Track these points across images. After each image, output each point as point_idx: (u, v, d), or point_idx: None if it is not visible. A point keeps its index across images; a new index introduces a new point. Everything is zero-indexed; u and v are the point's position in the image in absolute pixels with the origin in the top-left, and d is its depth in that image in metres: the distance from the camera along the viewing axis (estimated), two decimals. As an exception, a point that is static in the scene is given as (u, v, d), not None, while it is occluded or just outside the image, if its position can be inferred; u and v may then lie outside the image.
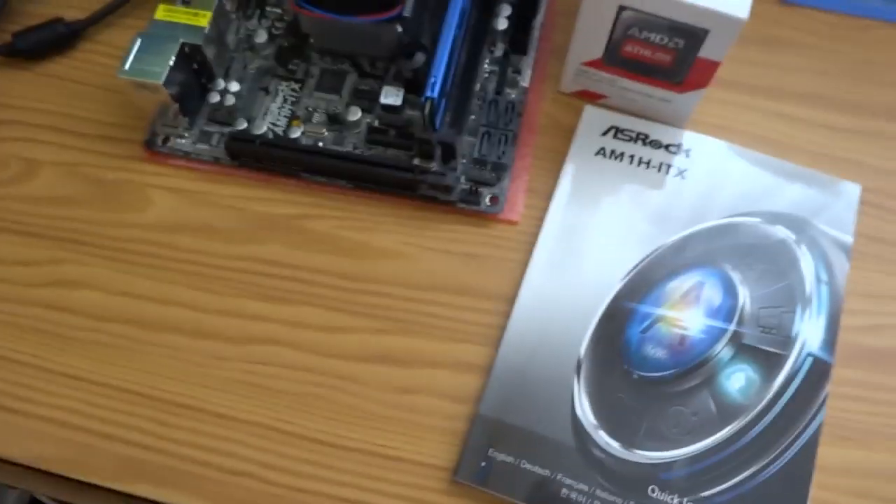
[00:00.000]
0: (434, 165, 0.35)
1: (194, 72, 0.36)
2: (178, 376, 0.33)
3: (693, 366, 0.32)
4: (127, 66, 0.34)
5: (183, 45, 0.34)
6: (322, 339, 0.34)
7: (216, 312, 0.34)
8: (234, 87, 0.37)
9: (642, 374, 0.32)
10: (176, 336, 0.34)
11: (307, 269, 0.35)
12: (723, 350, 0.32)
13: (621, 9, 0.32)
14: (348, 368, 0.33)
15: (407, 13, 0.35)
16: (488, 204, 0.35)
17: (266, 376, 0.33)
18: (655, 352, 0.32)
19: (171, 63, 0.34)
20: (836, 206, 0.35)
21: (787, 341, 0.32)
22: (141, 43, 0.34)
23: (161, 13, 0.35)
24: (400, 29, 0.36)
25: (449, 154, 0.35)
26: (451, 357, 0.33)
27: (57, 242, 0.36)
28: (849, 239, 0.34)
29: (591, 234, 0.35)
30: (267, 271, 0.35)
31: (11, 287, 0.35)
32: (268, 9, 0.40)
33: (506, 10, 0.38)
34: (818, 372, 0.32)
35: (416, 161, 0.35)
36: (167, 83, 0.34)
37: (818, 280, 0.33)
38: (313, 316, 0.34)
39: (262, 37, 0.38)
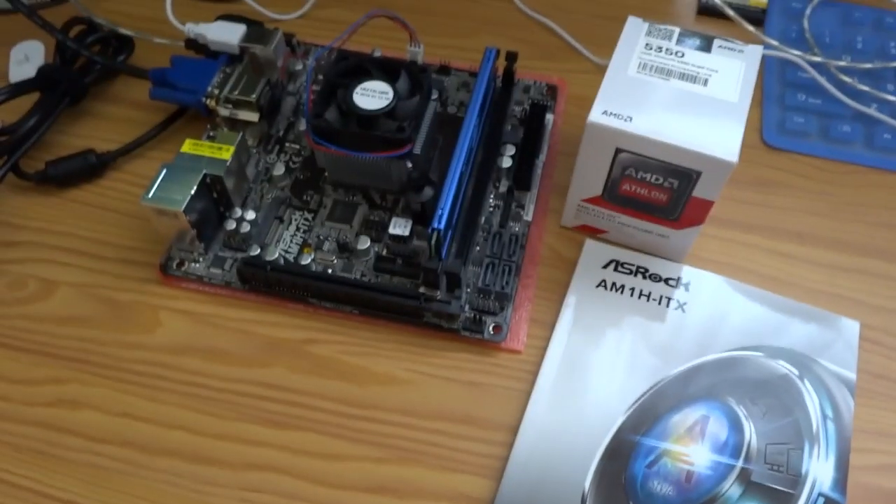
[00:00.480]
0: (439, 294, 0.36)
1: (213, 200, 0.38)
2: (171, 503, 0.32)
3: (701, 503, 0.31)
4: (150, 194, 0.35)
5: (205, 175, 0.36)
6: (321, 467, 0.33)
7: (216, 437, 0.34)
8: (250, 215, 0.38)
9: (648, 511, 0.31)
10: (174, 460, 0.33)
11: (309, 394, 0.35)
12: (731, 487, 0.31)
13: (618, 151, 0.34)
14: (346, 498, 0.32)
15: (417, 151, 0.37)
16: (491, 333, 0.36)
17: (261, 505, 0.32)
18: (662, 488, 0.32)
19: (193, 192, 0.36)
20: (837, 343, 0.36)
21: (797, 480, 0.32)
22: (166, 173, 0.36)
23: (187, 147, 0.38)
24: (410, 165, 0.38)
25: (453, 283, 0.36)
26: (451, 489, 0.33)
27: (63, 362, 0.36)
28: (852, 376, 0.35)
29: (594, 365, 0.35)
30: (269, 395, 0.35)
31: (12, 406, 0.35)
32: (287, 144, 0.43)
33: (510, 149, 0.41)
34: (831, 513, 0.31)
35: (422, 289, 0.36)
36: (187, 210, 0.35)
37: (824, 417, 0.33)
38: (313, 442, 0.34)
39: (279, 169, 0.41)
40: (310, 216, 0.40)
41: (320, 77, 0.44)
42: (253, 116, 0.41)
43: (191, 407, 0.35)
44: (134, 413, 0.35)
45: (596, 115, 0.33)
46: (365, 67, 0.39)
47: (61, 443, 0.34)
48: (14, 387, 0.36)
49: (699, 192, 0.34)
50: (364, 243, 0.38)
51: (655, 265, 0.38)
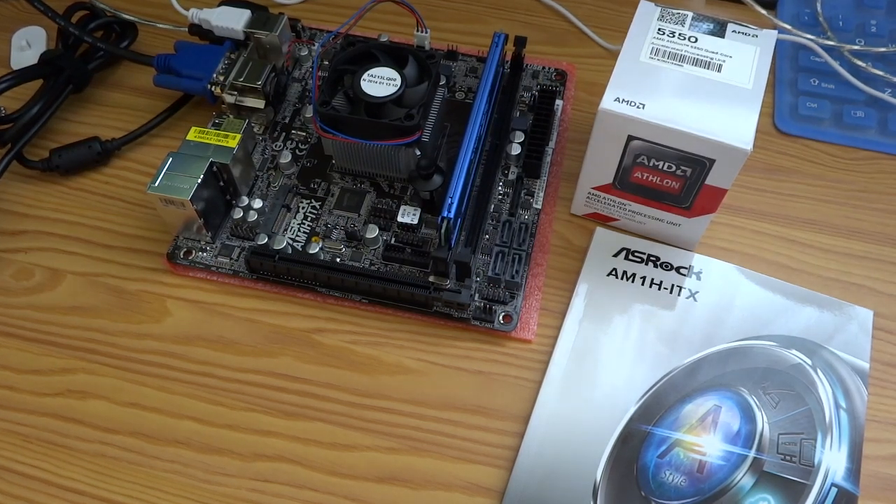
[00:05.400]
0: (448, 283, 0.36)
1: (220, 189, 0.38)
2: (181, 493, 0.32)
3: (713, 494, 0.31)
4: (157, 183, 0.35)
5: (211, 163, 0.36)
6: (331, 457, 0.33)
7: (225, 426, 0.34)
8: (257, 203, 0.38)
9: (661, 501, 0.31)
10: (183, 450, 0.33)
11: (319, 384, 0.35)
12: (743, 477, 0.31)
13: (630, 138, 0.33)
14: (357, 488, 0.32)
15: (425, 138, 0.37)
16: (502, 322, 0.36)
17: (272, 495, 0.32)
18: (674, 478, 0.31)
19: (199, 181, 0.35)
20: (850, 332, 0.35)
21: (810, 470, 0.31)
22: (172, 161, 0.36)
23: (193, 134, 0.37)
24: (418, 153, 0.37)
25: (463, 272, 0.36)
26: (463, 479, 0.32)
27: (71, 351, 0.36)
28: (865, 365, 0.34)
29: (605, 355, 0.35)
30: (278, 385, 0.35)
31: (20, 396, 0.35)
32: (293, 132, 0.42)
33: (519, 136, 0.40)
34: (844, 503, 0.31)
35: (431, 278, 0.36)
36: (194, 199, 0.35)
37: (837, 406, 0.33)
38: (323, 432, 0.34)
39: (286, 157, 0.40)
40: (317, 204, 0.39)
41: (326, 63, 0.43)
42: (259, 103, 0.41)
43: (199, 397, 0.35)
44: (142, 403, 0.35)
45: (608, 102, 0.33)
46: (372, 53, 0.38)
47: (70, 433, 0.34)
48: (22, 377, 0.35)
49: (712, 179, 0.33)
50: (372, 232, 0.37)
51: (667, 253, 0.38)
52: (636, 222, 0.38)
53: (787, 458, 0.32)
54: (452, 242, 0.35)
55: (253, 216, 0.38)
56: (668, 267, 0.37)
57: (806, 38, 0.44)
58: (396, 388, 0.35)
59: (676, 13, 0.36)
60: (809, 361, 0.34)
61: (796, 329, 0.35)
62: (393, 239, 0.38)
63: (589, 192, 0.38)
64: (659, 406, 0.33)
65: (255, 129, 0.42)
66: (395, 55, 0.38)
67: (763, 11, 0.45)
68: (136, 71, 0.46)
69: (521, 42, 0.42)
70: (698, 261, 0.37)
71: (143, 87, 0.45)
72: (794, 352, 0.34)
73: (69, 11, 0.44)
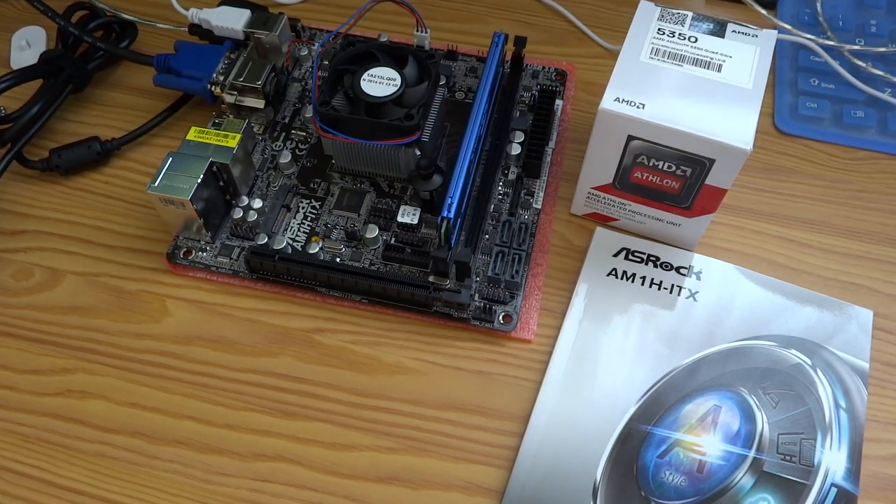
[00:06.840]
0: (448, 283, 0.36)
1: (220, 189, 0.38)
2: (180, 493, 0.32)
3: (713, 494, 0.31)
4: (156, 183, 0.35)
5: (211, 163, 0.36)
6: (330, 457, 0.33)
7: (224, 426, 0.34)
8: (257, 203, 0.38)
9: (661, 501, 0.31)
10: (182, 450, 0.33)
11: (318, 384, 0.35)
12: (743, 477, 0.31)
13: (630, 138, 0.33)
14: (357, 488, 0.32)
15: (425, 138, 0.37)
16: (501, 322, 0.36)
17: (271, 495, 0.32)
18: (674, 478, 0.31)
19: (199, 180, 0.35)
20: (850, 332, 0.35)
21: (810, 470, 0.31)
22: (171, 161, 0.36)
23: (193, 134, 0.37)
24: (418, 153, 0.37)
25: (463, 272, 0.36)
26: (462, 479, 0.32)
27: (71, 351, 0.36)
28: (865, 365, 0.34)
29: (605, 355, 0.35)
30: (278, 385, 0.35)
31: (20, 396, 0.35)
32: (293, 131, 0.42)
33: (518, 136, 0.40)
34: (843, 503, 0.31)
35: (431, 278, 0.36)
36: (194, 199, 0.35)
37: (837, 406, 0.33)
38: (323, 432, 0.34)
39: (286, 157, 0.40)
40: (317, 204, 0.39)
41: (326, 63, 0.43)
42: (259, 103, 0.41)
43: (199, 396, 0.35)
44: (142, 403, 0.35)
45: (608, 102, 0.33)
46: (372, 53, 0.38)
47: (69, 433, 0.34)
48: (22, 377, 0.35)
49: (712, 179, 0.33)
50: (372, 232, 0.37)
51: (667, 253, 0.38)
52: (636, 222, 0.38)
53: (787, 458, 0.32)
54: (452, 242, 0.35)
55: (253, 216, 0.38)
56: (668, 267, 0.37)
57: (806, 38, 0.44)
58: (396, 388, 0.35)
59: (676, 13, 0.36)
60: (809, 361, 0.34)
61: (796, 329, 0.35)
62: (393, 239, 0.38)
63: (589, 192, 0.38)
64: (659, 406, 0.33)
65: (254, 129, 0.42)
66: (395, 55, 0.38)
67: (763, 11, 0.45)
68: (136, 71, 0.46)
69: (520, 42, 0.42)
70: (698, 261, 0.37)
71: (142, 86, 0.45)
72: (793, 352, 0.34)
73: (69, 11, 0.44)
